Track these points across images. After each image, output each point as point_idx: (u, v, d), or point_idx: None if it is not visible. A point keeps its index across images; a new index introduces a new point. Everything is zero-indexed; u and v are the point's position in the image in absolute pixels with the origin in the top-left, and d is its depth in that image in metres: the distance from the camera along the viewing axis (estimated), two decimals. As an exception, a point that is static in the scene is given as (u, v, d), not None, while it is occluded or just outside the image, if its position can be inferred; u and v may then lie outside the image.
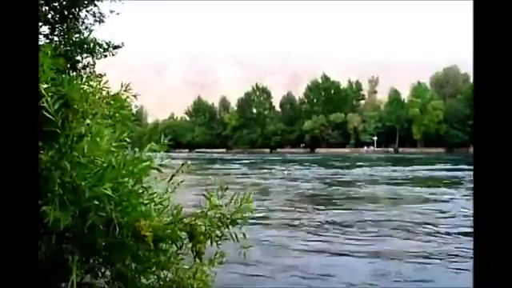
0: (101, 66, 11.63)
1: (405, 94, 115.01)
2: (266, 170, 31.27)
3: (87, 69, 11.33)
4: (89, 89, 1.58)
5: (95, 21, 11.97)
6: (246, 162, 47.25)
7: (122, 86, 1.67)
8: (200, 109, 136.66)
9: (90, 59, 11.34)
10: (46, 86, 1.43)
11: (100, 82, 1.63)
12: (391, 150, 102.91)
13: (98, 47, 11.14)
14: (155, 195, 1.65)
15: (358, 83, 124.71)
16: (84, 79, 1.60)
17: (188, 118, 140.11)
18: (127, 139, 1.65)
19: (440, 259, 6.48)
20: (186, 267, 1.67)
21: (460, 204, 11.86)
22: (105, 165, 1.46)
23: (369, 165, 37.16)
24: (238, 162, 46.87)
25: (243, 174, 27.53)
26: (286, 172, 28.64)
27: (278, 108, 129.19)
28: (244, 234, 1.62)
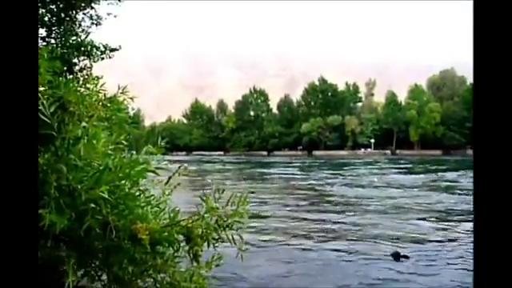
0: (98, 68, 11.62)
1: (402, 97, 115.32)
2: (332, 175, 28.72)
3: (84, 71, 11.31)
4: (85, 91, 1.58)
5: (92, 23, 11.94)
6: (296, 165, 45.40)
7: (118, 89, 1.67)
8: (197, 111, 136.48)
9: (87, 62, 11.32)
10: (42, 88, 1.43)
11: (97, 84, 1.62)
12: (388, 152, 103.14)
13: (94, 50, 11.12)
14: (152, 198, 1.64)
15: (355, 86, 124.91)
16: (80, 82, 1.59)
17: (185, 121, 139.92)
18: (124, 142, 1.65)
19: None
20: (183, 270, 1.67)
21: None
22: (101, 168, 1.46)
23: (454, 168, 34.72)
24: (284, 165, 44.78)
25: (318, 180, 24.77)
26: (374, 179, 26.09)
27: (275, 110, 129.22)
28: (240, 237, 1.61)
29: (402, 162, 53.68)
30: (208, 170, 39.91)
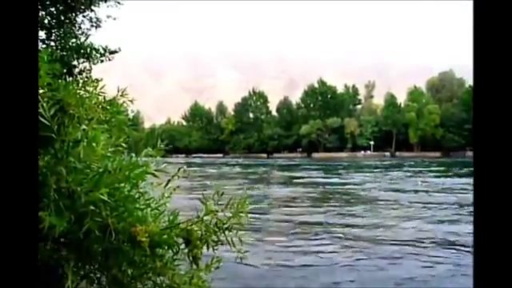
0: (97, 70, 11.63)
1: (401, 99, 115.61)
2: (367, 179, 27.31)
3: (83, 74, 11.33)
4: (85, 94, 1.58)
5: (92, 26, 11.98)
6: (317, 168, 43.58)
7: (118, 91, 1.66)
8: (197, 114, 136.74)
9: (86, 64, 11.34)
10: (42, 91, 1.43)
11: (96, 87, 1.62)
12: (388, 154, 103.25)
13: (94, 52, 11.14)
14: (151, 200, 1.64)
15: (354, 88, 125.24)
16: (80, 84, 1.59)
17: (185, 123, 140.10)
18: (123, 144, 1.65)
19: None
20: (183, 273, 1.66)
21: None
22: (101, 170, 1.46)
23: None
24: (306, 168, 42.69)
25: (357, 185, 22.97)
26: (419, 182, 24.52)
27: (274, 113, 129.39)
28: (240, 240, 1.61)
29: (427, 163, 52.21)
30: (229, 172, 38.45)
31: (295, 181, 27.64)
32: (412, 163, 55.55)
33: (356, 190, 21.15)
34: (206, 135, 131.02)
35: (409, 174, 33.61)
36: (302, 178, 30.39)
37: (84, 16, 11.79)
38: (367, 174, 33.01)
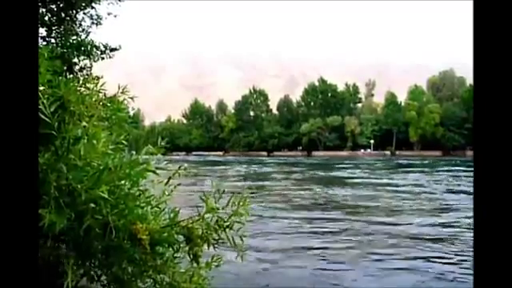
0: (98, 68, 11.62)
1: (401, 97, 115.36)
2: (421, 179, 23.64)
3: (84, 71, 11.31)
4: (85, 91, 1.58)
5: (92, 23, 11.96)
6: (349, 166, 39.93)
7: (118, 89, 1.66)
8: (197, 111, 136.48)
9: (87, 61, 11.31)
10: (42, 88, 1.43)
11: (97, 84, 1.62)
12: (388, 152, 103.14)
13: (95, 49, 11.11)
14: (152, 198, 1.64)
15: (354, 86, 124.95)
16: (81, 81, 1.59)
17: (185, 121, 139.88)
18: (124, 142, 1.65)
19: None
20: (183, 271, 1.66)
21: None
22: (101, 167, 1.45)
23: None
24: (340, 167, 38.44)
25: (417, 187, 18.83)
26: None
27: (275, 111, 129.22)
28: (241, 238, 1.61)
29: (459, 162, 48.25)
30: (265, 172, 34.35)
31: (349, 181, 23.87)
32: (449, 162, 51.93)
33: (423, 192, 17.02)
34: (206, 133, 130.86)
35: (463, 173, 29.33)
36: (353, 178, 26.57)
37: (84, 13, 11.78)
38: (422, 175, 28.78)
